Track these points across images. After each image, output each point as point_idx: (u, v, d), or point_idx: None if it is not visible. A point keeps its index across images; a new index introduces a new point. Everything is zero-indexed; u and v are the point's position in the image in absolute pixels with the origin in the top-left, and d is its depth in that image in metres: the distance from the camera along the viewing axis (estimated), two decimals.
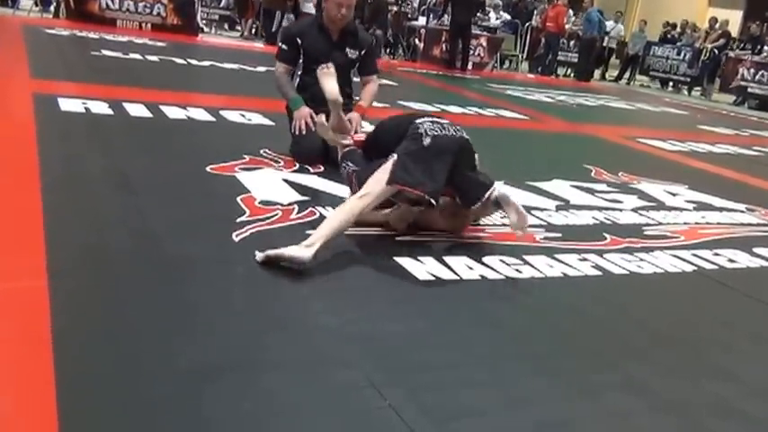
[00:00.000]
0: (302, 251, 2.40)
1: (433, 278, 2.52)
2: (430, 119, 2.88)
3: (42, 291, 2.00)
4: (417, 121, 2.83)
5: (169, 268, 2.31)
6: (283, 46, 4.01)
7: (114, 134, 4.10)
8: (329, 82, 3.34)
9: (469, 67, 12.40)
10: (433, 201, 2.69)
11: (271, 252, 2.41)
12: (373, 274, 2.54)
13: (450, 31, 12.34)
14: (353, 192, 2.95)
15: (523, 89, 10.62)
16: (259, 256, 2.42)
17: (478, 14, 13.91)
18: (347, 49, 4.00)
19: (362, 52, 4.05)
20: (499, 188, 2.90)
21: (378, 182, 2.70)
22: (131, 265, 2.30)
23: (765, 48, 14.06)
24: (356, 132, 3.48)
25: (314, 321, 2.09)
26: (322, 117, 3.46)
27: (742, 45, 14.68)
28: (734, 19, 18.42)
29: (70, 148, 3.66)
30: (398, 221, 2.90)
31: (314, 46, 3.94)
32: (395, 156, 2.71)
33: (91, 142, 3.84)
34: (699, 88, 14.96)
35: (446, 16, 12.80)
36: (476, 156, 2.98)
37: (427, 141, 2.72)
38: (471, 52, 12.63)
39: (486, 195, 2.85)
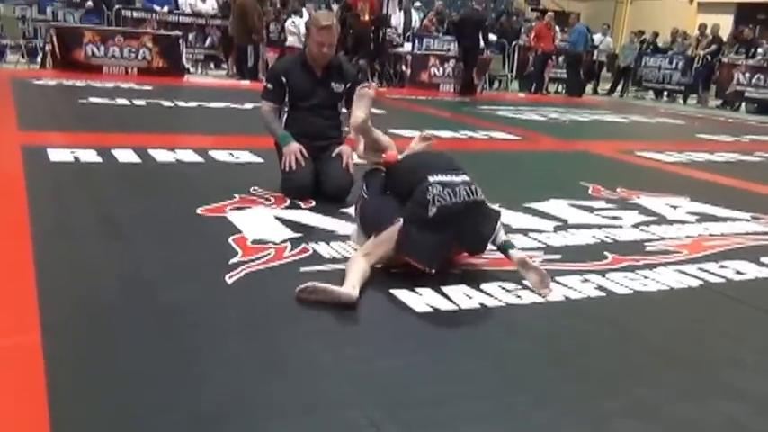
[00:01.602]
0: (349, 290, 2.46)
1: (432, 309, 2.48)
2: (443, 179, 2.72)
3: (36, 346, 1.98)
4: (430, 179, 2.71)
5: (163, 316, 2.28)
6: (269, 85, 4.02)
7: (104, 182, 4.06)
8: (360, 106, 3.22)
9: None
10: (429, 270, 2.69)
11: (319, 285, 2.45)
12: (370, 309, 2.48)
13: (465, 60, 12.43)
14: (356, 213, 3.07)
15: (515, 109, 10.61)
16: (306, 285, 2.45)
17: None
18: (332, 84, 4.00)
19: (348, 85, 4.04)
20: (515, 254, 2.81)
21: (381, 244, 2.73)
22: (125, 314, 2.28)
23: (759, 51, 14.06)
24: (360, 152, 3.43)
25: (312, 361, 2.06)
26: (360, 147, 3.34)
27: (735, 49, 14.68)
28: (725, 24, 18.52)
29: (60, 199, 3.64)
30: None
31: (299, 84, 3.95)
32: (400, 221, 2.71)
33: (80, 191, 3.81)
34: (694, 96, 14.95)
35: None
36: (493, 211, 2.89)
37: (432, 212, 2.66)
38: (460, 75, 12.68)
39: (488, 245, 2.83)
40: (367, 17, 13.42)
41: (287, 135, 3.92)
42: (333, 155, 3.92)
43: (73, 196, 3.70)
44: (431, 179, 2.71)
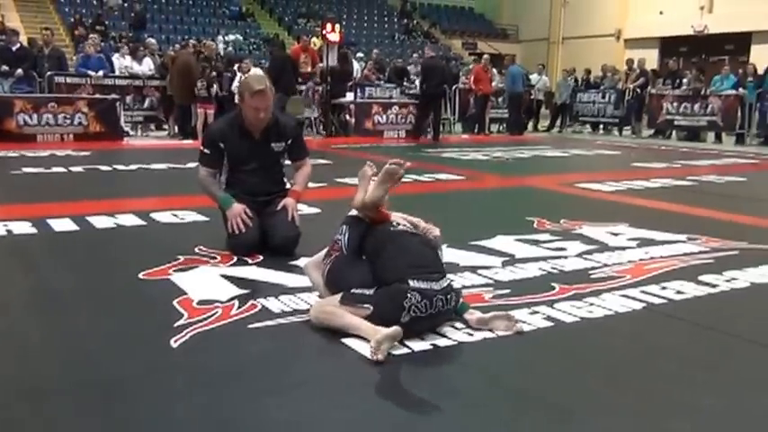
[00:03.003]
0: (386, 329, 2.47)
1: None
2: (422, 286, 2.61)
3: None
4: (411, 284, 2.60)
5: (106, 389, 2.19)
6: (206, 150, 3.88)
7: (38, 254, 3.93)
8: (360, 192, 2.98)
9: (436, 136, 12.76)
10: None
11: (380, 338, 2.43)
12: (323, 361, 2.46)
13: (421, 102, 12.68)
14: (325, 259, 2.95)
15: (459, 150, 10.81)
16: (372, 346, 2.43)
17: (405, 83, 14.26)
18: (272, 145, 3.90)
19: (289, 141, 3.97)
20: (470, 316, 2.76)
21: (346, 317, 2.64)
22: (65, 391, 2.18)
23: (684, 81, 14.73)
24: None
25: (266, 420, 2.01)
26: (358, 198, 3.05)
27: (662, 81, 15.34)
28: (650, 58, 19.40)
29: None
30: None
31: (237, 149, 3.84)
32: (370, 309, 2.63)
33: (14, 265, 3.68)
34: (628, 127, 15.50)
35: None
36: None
37: (405, 320, 2.58)
38: (403, 120, 12.90)
39: None
40: (309, 68, 13.65)
41: (228, 197, 3.85)
42: (278, 208, 3.89)
43: (6, 270, 3.58)
44: (411, 284, 2.60)
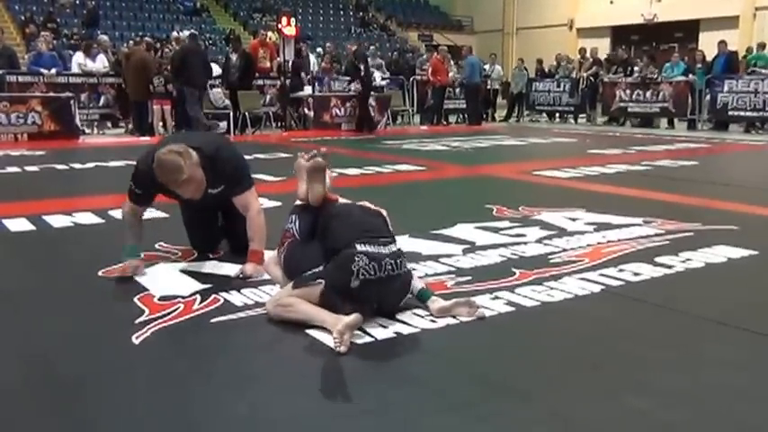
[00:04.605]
0: (346, 317, 2.47)
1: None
2: (370, 250, 2.63)
3: None
4: (358, 248, 2.62)
5: (66, 389, 2.16)
6: (137, 190, 3.42)
7: None
8: (316, 181, 2.99)
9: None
10: None
11: (342, 330, 2.42)
12: (285, 352, 2.46)
13: (364, 94, 12.56)
14: (279, 249, 3.00)
15: (418, 141, 10.86)
16: (335, 338, 2.42)
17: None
18: (209, 191, 3.40)
19: (225, 185, 3.47)
20: (432, 304, 2.77)
21: (304, 308, 2.65)
22: (23, 393, 2.14)
23: (635, 69, 15.04)
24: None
25: (227, 414, 1.99)
26: (303, 188, 3.11)
27: (615, 69, 15.64)
28: (602, 46, 19.75)
29: None
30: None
31: (174, 197, 3.49)
32: (322, 284, 2.63)
33: None
34: (584, 115, 15.77)
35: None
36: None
37: (355, 284, 2.59)
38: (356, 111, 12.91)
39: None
40: (268, 64, 13.52)
41: (132, 250, 3.42)
42: (240, 275, 3.37)
43: None
44: (358, 248, 2.62)
